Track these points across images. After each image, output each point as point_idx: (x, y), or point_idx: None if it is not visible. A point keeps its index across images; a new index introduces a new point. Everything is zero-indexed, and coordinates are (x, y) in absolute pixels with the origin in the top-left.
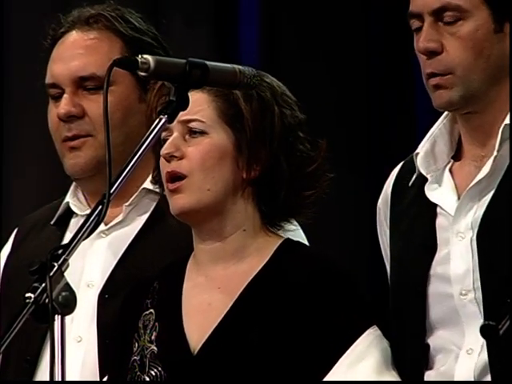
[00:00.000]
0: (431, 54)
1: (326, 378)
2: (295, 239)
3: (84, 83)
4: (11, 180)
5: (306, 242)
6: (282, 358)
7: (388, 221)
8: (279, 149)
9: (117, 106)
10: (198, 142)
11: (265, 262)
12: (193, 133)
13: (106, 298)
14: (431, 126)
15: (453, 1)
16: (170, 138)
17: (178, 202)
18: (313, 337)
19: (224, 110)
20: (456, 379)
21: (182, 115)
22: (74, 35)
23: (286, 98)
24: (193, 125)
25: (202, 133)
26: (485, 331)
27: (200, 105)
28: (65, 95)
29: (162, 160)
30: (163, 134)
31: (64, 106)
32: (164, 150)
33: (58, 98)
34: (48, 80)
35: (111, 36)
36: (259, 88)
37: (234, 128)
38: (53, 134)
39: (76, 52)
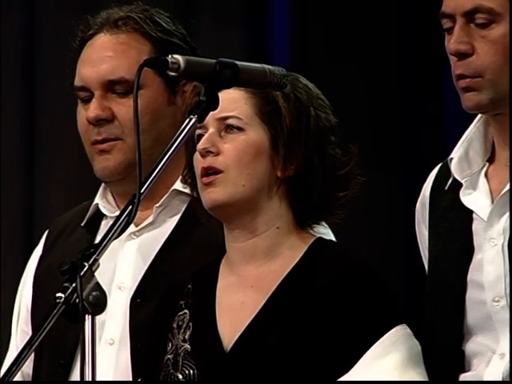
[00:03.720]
0: (461, 55)
1: (350, 371)
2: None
3: (113, 87)
4: (43, 181)
5: None
6: (314, 354)
7: (427, 223)
8: (313, 150)
9: (146, 109)
10: (234, 138)
11: (297, 261)
12: (229, 130)
13: (138, 302)
14: (462, 128)
15: (485, 3)
16: (206, 134)
17: (211, 196)
18: (342, 333)
19: (261, 108)
20: None
21: (219, 112)
22: (102, 37)
23: (321, 102)
24: (229, 122)
25: (239, 130)
26: None
27: (237, 102)
28: (94, 99)
29: (196, 156)
30: (197, 130)
31: (93, 109)
32: (200, 145)
33: (87, 101)
34: (77, 83)
35: (140, 39)
36: (295, 89)
37: (271, 125)
38: (82, 135)
39: (105, 55)
